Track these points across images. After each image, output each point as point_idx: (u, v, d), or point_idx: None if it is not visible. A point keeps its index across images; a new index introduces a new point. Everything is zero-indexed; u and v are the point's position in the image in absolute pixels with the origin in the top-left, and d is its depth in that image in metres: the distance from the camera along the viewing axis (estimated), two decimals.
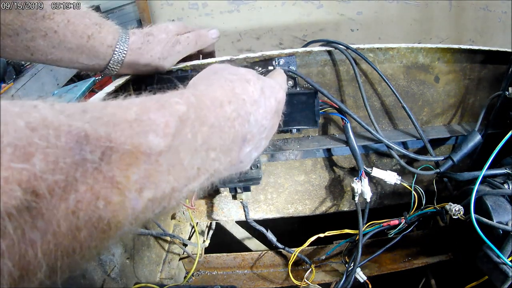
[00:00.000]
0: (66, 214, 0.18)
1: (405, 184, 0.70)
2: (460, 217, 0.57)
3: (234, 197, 0.71)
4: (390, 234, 0.71)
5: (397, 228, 0.70)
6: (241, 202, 0.71)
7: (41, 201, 0.17)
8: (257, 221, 0.76)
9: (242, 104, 0.33)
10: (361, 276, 0.68)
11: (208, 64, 0.67)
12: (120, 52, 0.57)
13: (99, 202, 0.19)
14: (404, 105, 0.69)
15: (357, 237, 0.67)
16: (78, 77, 1.85)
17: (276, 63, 0.66)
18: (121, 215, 0.21)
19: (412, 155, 0.69)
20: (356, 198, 0.67)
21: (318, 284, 0.74)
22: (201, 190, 0.31)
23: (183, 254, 0.84)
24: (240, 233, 0.99)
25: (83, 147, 0.19)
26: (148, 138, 0.23)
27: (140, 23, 1.74)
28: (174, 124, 0.25)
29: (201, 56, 0.71)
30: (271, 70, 0.66)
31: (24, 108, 0.19)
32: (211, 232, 0.93)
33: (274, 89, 0.39)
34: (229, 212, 0.86)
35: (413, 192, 0.70)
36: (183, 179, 0.26)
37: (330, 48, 0.68)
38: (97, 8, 1.67)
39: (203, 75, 0.38)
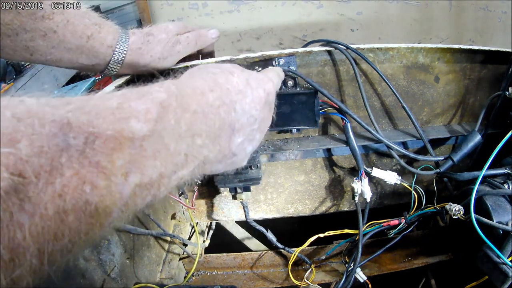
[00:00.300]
0: (53, 198, 0.19)
1: (405, 184, 0.70)
2: (460, 217, 0.57)
3: (234, 197, 0.71)
4: (390, 234, 0.71)
5: (397, 228, 0.70)
6: (241, 202, 0.71)
7: (28, 184, 0.18)
8: (257, 221, 0.76)
9: (226, 92, 0.34)
10: (361, 276, 0.68)
11: (208, 64, 0.68)
12: (120, 52, 0.57)
13: (85, 186, 0.20)
14: (404, 105, 0.69)
15: (357, 237, 0.67)
16: (78, 77, 1.85)
17: (276, 63, 0.66)
18: (108, 200, 0.21)
19: (412, 155, 0.69)
20: (356, 198, 0.67)
21: (318, 284, 0.74)
22: (193, 179, 0.31)
23: (183, 254, 0.84)
24: (240, 233, 0.99)
25: (66, 133, 0.20)
26: (130, 123, 0.23)
27: (140, 23, 1.74)
28: (155, 110, 0.25)
29: (200, 56, 0.71)
30: None
31: (11, 102, 0.20)
32: (211, 232, 0.93)
33: (262, 81, 0.39)
34: (229, 212, 0.86)
35: (413, 192, 0.70)
36: (170, 164, 0.26)
37: (330, 48, 0.68)
38: (97, 8, 1.67)
39: (187, 71, 0.39)
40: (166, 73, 0.65)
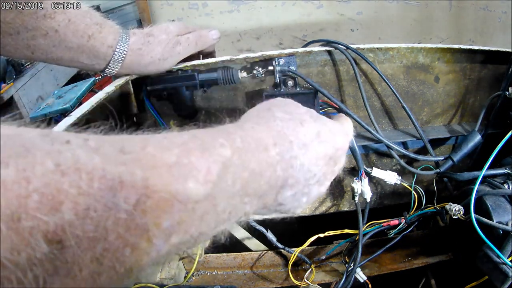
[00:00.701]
0: (91, 262, 0.17)
1: (405, 184, 0.70)
2: (460, 217, 0.57)
3: None
4: (390, 234, 0.71)
5: (397, 228, 0.70)
6: None
7: (67, 251, 0.16)
8: (257, 221, 0.76)
9: (288, 146, 0.30)
10: (361, 276, 0.68)
11: (208, 64, 0.68)
12: (120, 53, 0.57)
13: (126, 250, 0.18)
14: (404, 105, 0.69)
15: (357, 237, 0.67)
16: (79, 77, 1.85)
17: (276, 63, 0.66)
18: (144, 260, 0.20)
19: (412, 155, 0.69)
20: (356, 198, 0.67)
21: (318, 284, 0.74)
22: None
23: (183, 254, 0.84)
24: (240, 233, 0.99)
25: (116, 194, 0.18)
26: (187, 185, 0.21)
27: (140, 23, 1.74)
28: (216, 171, 0.23)
29: (201, 56, 0.71)
30: (271, 70, 0.66)
31: (55, 146, 0.17)
32: None
33: (335, 135, 0.35)
34: None
35: (413, 192, 0.70)
36: (213, 223, 0.24)
37: (330, 48, 0.68)
38: (97, 8, 1.67)
39: (255, 111, 0.35)
40: (168, 72, 0.66)
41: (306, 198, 0.34)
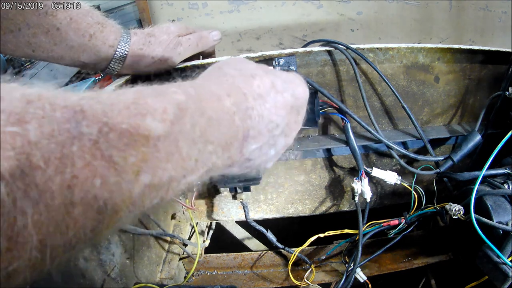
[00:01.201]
0: (61, 187, 0.18)
1: (405, 184, 0.70)
2: (460, 217, 0.57)
3: (234, 197, 0.71)
4: (390, 234, 0.71)
5: (397, 228, 0.70)
6: (241, 202, 0.71)
7: (36, 169, 0.17)
8: (257, 221, 0.76)
9: (242, 98, 0.32)
10: (361, 276, 0.68)
11: (208, 64, 0.67)
12: (121, 53, 0.57)
13: (95, 180, 0.19)
14: (404, 105, 0.69)
15: (357, 237, 0.67)
16: (79, 77, 1.85)
17: (276, 63, 0.66)
18: (117, 197, 0.20)
19: (412, 155, 0.69)
20: (356, 198, 0.67)
21: (318, 284, 0.74)
22: (200, 184, 0.30)
23: (183, 254, 0.84)
24: (240, 233, 0.99)
25: (79, 121, 0.19)
26: (146, 120, 0.22)
27: (140, 23, 1.74)
28: (172, 111, 0.24)
29: (201, 56, 0.71)
30: None
31: (20, 85, 0.20)
32: (211, 232, 0.93)
33: (291, 84, 0.36)
34: (229, 212, 0.86)
35: (413, 192, 0.70)
36: (180, 169, 0.25)
37: (330, 48, 0.68)
38: (97, 8, 1.67)
39: (206, 71, 0.37)
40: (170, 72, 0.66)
41: (273, 151, 0.36)
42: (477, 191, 0.55)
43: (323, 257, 0.78)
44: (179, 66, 0.67)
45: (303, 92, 0.37)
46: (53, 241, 0.18)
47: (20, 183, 0.17)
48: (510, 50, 0.69)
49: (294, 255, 0.74)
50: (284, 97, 0.35)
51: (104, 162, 0.20)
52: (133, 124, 0.22)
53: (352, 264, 0.67)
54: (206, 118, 0.28)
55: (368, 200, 0.66)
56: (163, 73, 0.66)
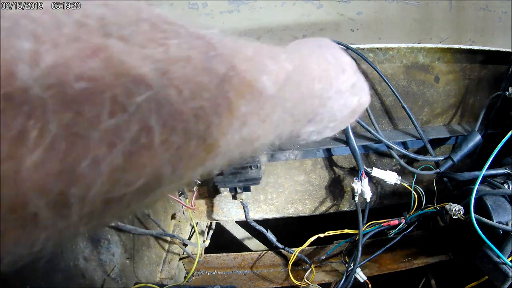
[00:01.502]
0: (188, 115, 0.17)
1: (405, 184, 0.70)
2: (460, 217, 0.57)
3: (234, 197, 0.71)
4: (390, 234, 0.71)
5: (397, 228, 0.70)
6: (241, 202, 0.71)
7: (171, 89, 0.17)
8: (257, 221, 0.76)
9: (328, 87, 0.33)
10: (361, 276, 0.68)
11: None
12: None
13: (213, 118, 0.19)
14: (404, 105, 0.69)
15: (357, 237, 0.67)
16: None
17: None
18: (221, 140, 0.20)
19: (412, 155, 0.69)
20: (356, 198, 0.67)
21: (318, 284, 0.74)
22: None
23: (183, 254, 0.84)
24: (240, 233, 0.99)
25: (209, 53, 0.19)
26: (262, 78, 0.23)
27: None
28: (282, 78, 0.25)
29: None
30: None
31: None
32: (211, 232, 0.93)
33: (363, 91, 0.38)
34: (229, 212, 0.86)
35: (413, 192, 0.70)
36: (264, 131, 0.26)
37: None
38: None
39: (306, 43, 0.38)
40: None
41: (316, 137, 0.38)
42: (477, 191, 0.55)
43: (323, 257, 0.78)
44: None
45: (367, 102, 0.40)
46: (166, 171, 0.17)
47: (156, 95, 0.16)
48: (510, 50, 0.69)
49: (294, 255, 0.74)
50: (353, 100, 0.37)
51: (223, 100, 0.20)
52: (254, 77, 0.22)
53: (352, 264, 0.67)
54: (299, 94, 0.29)
55: (368, 200, 0.66)
56: None
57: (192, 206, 0.77)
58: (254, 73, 0.23)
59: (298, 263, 0.81)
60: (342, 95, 0.35)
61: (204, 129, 0.19)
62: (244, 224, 0.95)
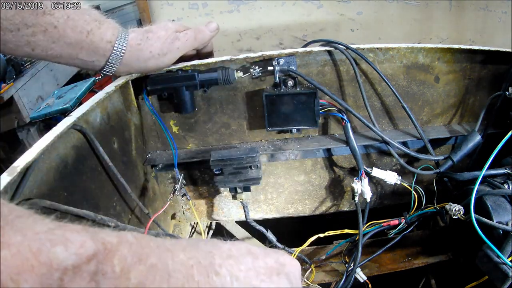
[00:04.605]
0: None
1: (405, 184, 0.70)
2: (460, 217, 0.57)
3: (234, 197, 0.71)
4: (390, 234, 0.71)
5: (397, 228, 0.70)
6: (241, 202, 0.71)
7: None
8: (257, 221, 0.76)
9: (204, 254, 0.30)
10: (361, 276, 0.68)
11: (208, 64, 0.67)
12: (119, 48, 0.57)
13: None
14: (404, 105, 0.69)
15: (357, 237, 0.67)
16: (79, 77, 1.85)
17: (276, 63, 0.66)
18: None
19: (412, 153, 0.69)
20: (356, 198, 0.67)
21: (318, 284, 0.74)
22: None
23: None
24: (240, 233, 0.99)
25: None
26: (55, 248, 0.22)
27: (140, 23, 1.74)
28: (93, 248, 0.24)
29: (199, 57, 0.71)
30: (270, 71, 0.66)
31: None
32: (211, 232, 0.93)
33: (275, 253, 0.35)
34: (229, 212, 0.86)
35: (413, 192, 0.70)
36: None
37: (330, 48, 0.68)
38: (97, 8, 1.67)
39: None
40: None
41: None
42: (477, 191, 0.55)
43: (323, 257, 0.78)
44: (179, 66, 0.67)
45: (290, 259, 0.36)
46: None
47: None
48: (510, 50, 0.69)
49: (294, 255, 0.74)
50: (266, 262, 0.33)
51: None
52: (42, 254, 0.22)
53: (352, 264, 0.67)
54: (148, 266, 0.26)
55: (368, 200, 0.66)
56: (164, 72, 0.66)
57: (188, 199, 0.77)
58: (45, 247, 0.23)
59: None
60: (239, 259, 0.32)
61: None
62: (244, 224, 0.95)
